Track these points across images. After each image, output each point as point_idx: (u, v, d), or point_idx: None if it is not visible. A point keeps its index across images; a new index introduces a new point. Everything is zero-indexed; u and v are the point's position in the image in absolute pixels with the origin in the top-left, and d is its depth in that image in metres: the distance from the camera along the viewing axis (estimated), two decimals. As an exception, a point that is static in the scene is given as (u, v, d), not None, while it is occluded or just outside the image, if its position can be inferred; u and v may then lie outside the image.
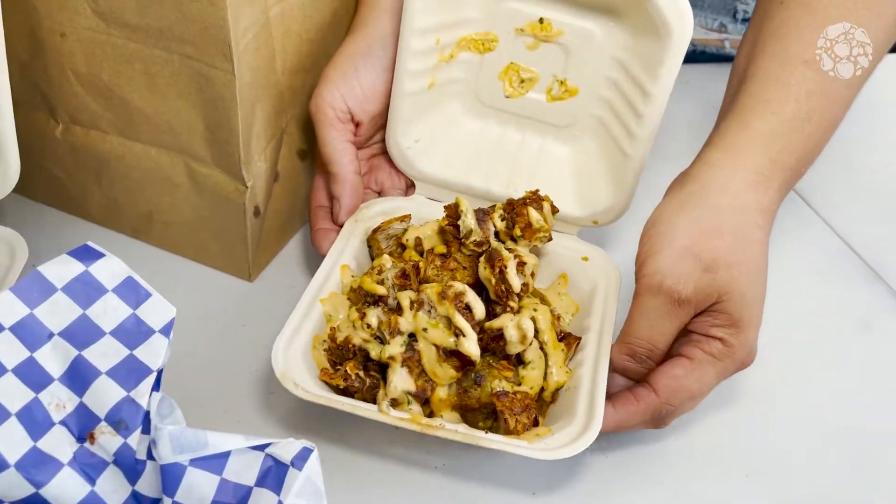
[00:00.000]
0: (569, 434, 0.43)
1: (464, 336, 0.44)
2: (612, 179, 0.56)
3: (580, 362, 0.48)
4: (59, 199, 0.61)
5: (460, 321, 0.44)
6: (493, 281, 0.47)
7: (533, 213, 0.51)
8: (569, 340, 0.49)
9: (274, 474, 0.36)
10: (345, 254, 0.53)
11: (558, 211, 0.53)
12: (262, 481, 0.36)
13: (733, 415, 0.51)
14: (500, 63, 0.58)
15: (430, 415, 0.46)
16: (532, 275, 0.50)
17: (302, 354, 0.47)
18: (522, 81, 0.58)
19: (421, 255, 0.53)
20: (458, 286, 0.45)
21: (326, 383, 0.46)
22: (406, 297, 0.46)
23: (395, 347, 0.45)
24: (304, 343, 0.47)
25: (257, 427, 0.48)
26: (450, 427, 0.43)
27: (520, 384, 0.47)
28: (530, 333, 0.45)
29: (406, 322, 0.45)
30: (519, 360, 0.47)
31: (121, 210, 0.59)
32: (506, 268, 0.47)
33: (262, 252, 0.58)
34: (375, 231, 0.54)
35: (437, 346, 0.44)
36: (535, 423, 0.45)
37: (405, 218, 0.55)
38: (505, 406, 0.44)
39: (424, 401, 0.46)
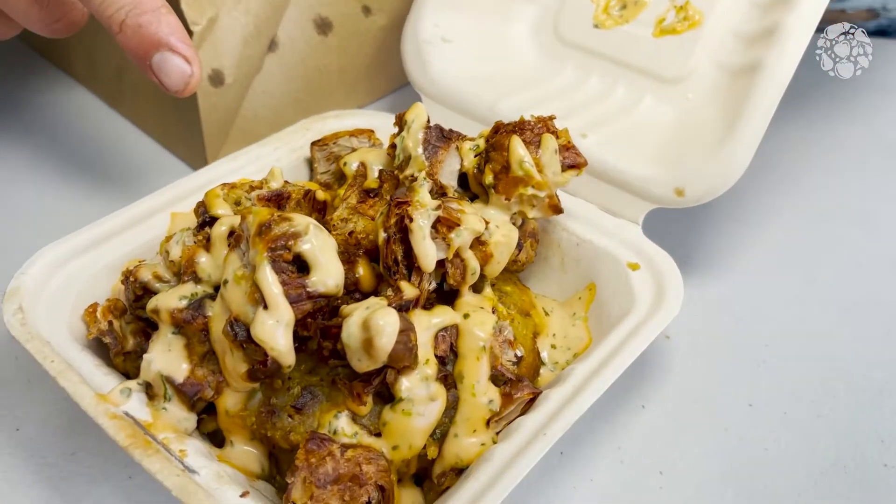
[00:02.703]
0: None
1: (264, 309, 0.23)
2: (721, 125, 0.31)
3: (513, 429, 0.25)
4: (48, 49, 0.51)
5: (266, 282, 0.23)
6: (383, 238, 0.26)
7: (516, 148, 0.28)
8: (512, 390, 0.26)
9: None
10: (266, 165, 0.35)
11: (584, 164, 0.29)
12: None
13: None
14: None
15: (214, 436, 0.26)
16: (488, 257, 0.27)
17: (94, 275, 0.30)
18: (625, 6, 0.36)
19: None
20: (299, 220, 0.24)
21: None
22: (225, 223, 0.27)
23: (171, 298, 0.26)
24: (108, 261, 0.30)
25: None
26: (182, 464, 0.23)
27: (378, 435, 0.25)
28: (386, 343, 0.23)
29: (210, 263, 0.26)
30: (390, 393, 0.25)
31: (97, 68, 0.47)
32: (410, 220, 0.25)
33: (233, 142, 0.42)
34: (315, 143, 0.35)
35: (232, 317, 0.25)
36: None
37: (361, 133, 0.35)
38: (308, 463, 0.23)
39: (208, 406, 0.26)
